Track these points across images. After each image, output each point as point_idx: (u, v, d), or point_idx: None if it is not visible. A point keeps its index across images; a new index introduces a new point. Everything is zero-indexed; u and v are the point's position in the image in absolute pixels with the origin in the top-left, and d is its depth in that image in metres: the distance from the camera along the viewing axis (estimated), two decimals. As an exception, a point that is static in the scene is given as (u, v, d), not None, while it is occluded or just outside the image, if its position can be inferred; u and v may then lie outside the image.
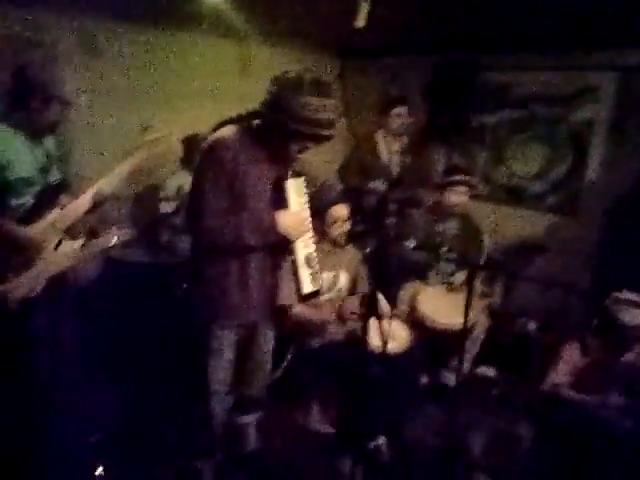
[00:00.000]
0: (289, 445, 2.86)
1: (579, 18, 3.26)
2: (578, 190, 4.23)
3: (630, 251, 3.61)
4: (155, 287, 3.26)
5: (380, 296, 2.85)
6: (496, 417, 3.23)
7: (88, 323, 3.08)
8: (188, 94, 4.13)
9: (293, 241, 2.19)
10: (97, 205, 2.57)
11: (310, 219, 2.27)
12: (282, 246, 2.21)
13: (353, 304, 2.88)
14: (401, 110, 4.04)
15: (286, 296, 2.43)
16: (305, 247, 2.27)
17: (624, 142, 3.94)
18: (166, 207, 3.63)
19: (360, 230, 2.90)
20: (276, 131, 2.04)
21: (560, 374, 2.79)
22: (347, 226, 2.95)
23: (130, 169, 2.64)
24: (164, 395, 2.99)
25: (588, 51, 3.92)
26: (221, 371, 2.32)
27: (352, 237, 2.94)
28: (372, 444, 2.76)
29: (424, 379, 3.40)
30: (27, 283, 2.10)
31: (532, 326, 4.07)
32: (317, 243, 2.37)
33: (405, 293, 3.47)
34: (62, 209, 2.47)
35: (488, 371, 3.64)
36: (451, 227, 3.61)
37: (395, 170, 4.19)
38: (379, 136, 4.15)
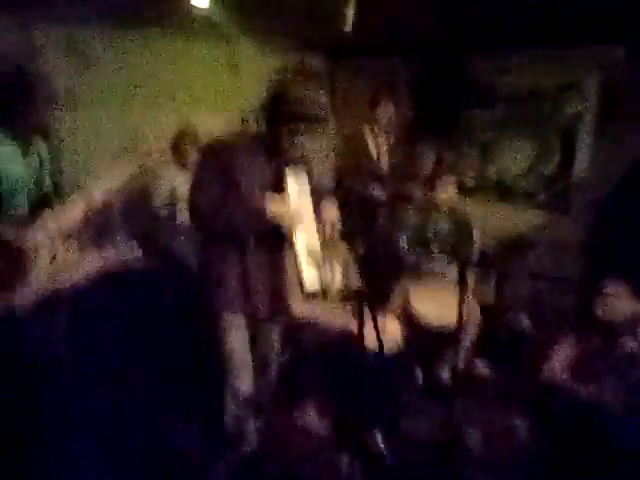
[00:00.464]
0: (287, 444, 2.88)
1: (562, 14, 3.31)
2: (567, 186, 4.28)
3: (620, 244, 3.67)
4: (155, 292, 3.26)
5: None
6: (492, 410, 3.26)
7: (89, 330, 3.07)
8: (179, 95, 4.15)
9: (289, 232, 2.21)
10: (90, 213, 2.58)
11: (312, 212, 2.31)
12: (279, 237, 2.25)
13: None
14: (388, 106, 4.12)
15: (289, 293, 2.45)
16: (306, 242, 2.26)
17: (611, 136, 3.99)
18: (161, 211, 3.64)
19: (351, 228, 2.92)
20: (271, 118, 2.17)
21: (555, 365, 2.84)
22: (336, 225, 2.97)
23: (125, 175, 2.65)
24: (174, 395, 3.01)
25: (572, 46, 3.97)
26: (237, 362, 2.36)
27: (344, 235, 2.97)
28: (369, 441, 2.79)
29: (419, 375, 3.42)
30: (27, 293, 2.10)
31: (525, 320, 4.12)
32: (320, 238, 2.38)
33: (398, 291, 3.50)
34: (57, 216, 2.48)
35: (483, 365, 3.67)
36: (442, 224, 3.64)
37: (384, 166, 4.23)
38: (367, 133, 4.20)
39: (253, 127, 2.27)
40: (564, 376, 2.81)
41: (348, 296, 3.13)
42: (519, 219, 4.51)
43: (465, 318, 3.05)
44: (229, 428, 2.48)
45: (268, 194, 2.20)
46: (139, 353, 3.18)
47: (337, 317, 3.02)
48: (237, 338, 2.37)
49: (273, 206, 2.16)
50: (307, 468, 2.73)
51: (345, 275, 3.11)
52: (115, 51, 3.85)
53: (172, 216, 3.58)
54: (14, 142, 2.35)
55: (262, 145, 2.24)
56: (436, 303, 3.29)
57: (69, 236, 2.59)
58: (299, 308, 2.84)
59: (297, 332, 2.97)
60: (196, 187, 2.25)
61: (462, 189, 3.71)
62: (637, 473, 2.43)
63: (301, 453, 2.82)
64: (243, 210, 2.17)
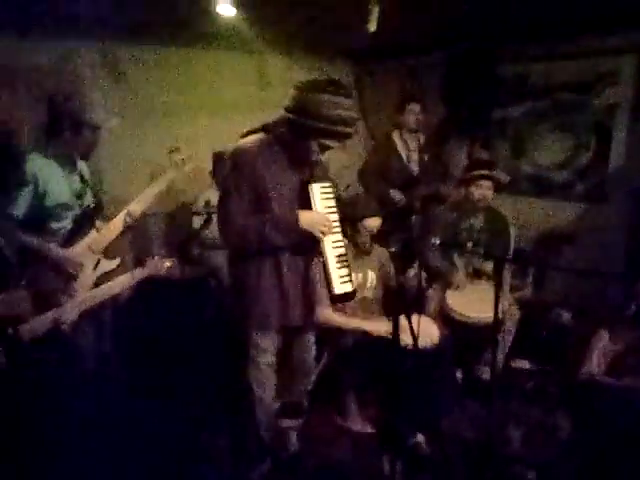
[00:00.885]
0: (329, 446, 2.90)
1: (592, 3, 3.24)
2: (604, 177, 4.19)
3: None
4: (189, 302, 3.33)
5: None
6: (533, 409, 3.21)
7: (126, 338, 3.17)
8: (211, 109, 4.25)
9: (319, 241, 2.25)
10: (130, 227, 2.69)
11: (337, 222, 2.33)
12: (309, 247, 2.27)
13: None
14: (415, 107, 4.13)
15: (319, 299, 2.48)
16: (335, 249, 2.31)
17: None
18: (197, 222, 3.73)
19: (385, 230, 2.93)
20: (298, 132, 2.11)
21: (594, 362, 2.78)
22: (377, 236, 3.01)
23: (159, 190, 2.76)
24: (207, 406, 3.06)
25: (604, 35, 3.89)
26: (263, 378, 2.39)
27: (377, 237, 2.98)
28: (411, 441, 2.79)
29: (459, 374, 3.40)
30: (72, 306, 2.20)
31: (566, 316, 4.04)
32: (347, 246, 2.42)
33: (434, 290, 3.49)
34: (98, 231, 2.60)
35: (523, 363, 3.62)
36: (476, 221, 3.60)
37: (415, 168, 4.23)
38: (396, 135, 4.22)
39: (280, 139, 2.21)
40: (607, 372, 2.75)
41: (382, 298, 3.16)
42: (556, 213, 4.44)
43: (502, 315, 3.04)
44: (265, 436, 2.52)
45: (297, 206, 2.23)
46: (171, 365, 3.27)
47: (373, 319, 3.03)
48: (267, 356, 2.40)
49: (305, 218, 2.18)
50: (349, 468, 2.75)
51: (381, 275, 3.14)
52: (148, 67, 3.97)
53: (206, 227, 3.66)
54: (59, 161, 2.47)
55: (289, 158, 2.22)
56: (473, 301, 3.26)
57: (110, 250, 2.70)
58: (334, 312, 2.87)
59: (334, 336, 2.99)
60: (224, 201, 2.21)
61: (496, 185, 3.64)
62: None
63: (343, 454, 2.85)
64: (274, 224, 2.15)
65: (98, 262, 2.59)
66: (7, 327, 2.02)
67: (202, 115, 4.16)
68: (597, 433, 2.67)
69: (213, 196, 3.62)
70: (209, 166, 3.88)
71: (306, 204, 2.24)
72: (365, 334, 2.87)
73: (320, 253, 2.27)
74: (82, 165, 2.68)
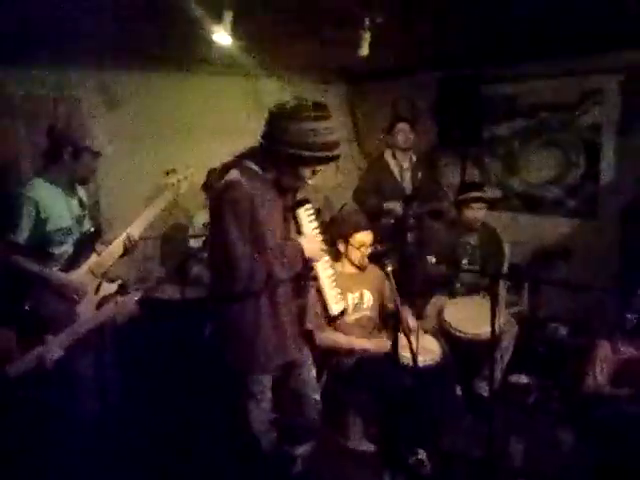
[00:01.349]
0: (332, 467, 2.90)
1: (577, 24, 3.33)
2: (594, 193, 4.26)
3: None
4: (187, 325, 3.32)
5: (407, 311, 2.92)
6: (534, 424, 3.23)
7: (125, 363, 3.15)
8: (205, 132, 4.30)
9: (312, 266, 2.25)
10: (129, 249, 2.72)
11: (324, 242, 2.33)
12: (304, 273, 2.25)
13: None
14: (404, 126, 4.23)
15: (311, 320, 2.48)
16: (325, 269, 2.34)
17: (633, 142, 3.98)
18: (194, 243, 3.76)
19: (381, 249, 2.97)
20: (287, 161, 2.04)
21: (598, 374, 2.82)
22: (369, 250, 3.04)
23: (157, 212, 2.79)
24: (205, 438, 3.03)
25: (589, 55, 3.99)
26: (263, 413, 2.32)
27: (373, 256, 3.02)
28: (413, 458, 2.80)
29: (458, 390, 3.41)
30: (75, 329, 2.21)
31: (563, 331, 4.08)
32: (335, 265, 2.44)
33: (431, 307, 3.52)
34: (98, 255, 2.62)
35: (522, 379, 3.63)
36: (471, 239, 3.66)
37: (408, 186, 4.30)
38: (388, 154, 4.31)
39: (267, 167, 2.10)
40: (606, 384, 2.78)
41: (379, 317, 3.18)
42: (549, 229, 4.50)
43: (500, 331, 3.07)
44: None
45: (292, 239, 2.19)
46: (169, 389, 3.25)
47: (375, 337, 3.05)
48: (266, 392, 2.31)
49: (307, 248, 2.15)
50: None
51: (377, 295, 3.17)
52: (144, 93, 4.03)
53: (204, 248, 3.68)
54: (59, 187, 2.51)
55: (277, 187, 2.13)
56: (470, 317, 3.29)
57: (110, 274, 2.72)
58: (336, 333, 2.89)
59: (333, 356, 3.01)
60: (231, 251, 2.01)
61: (489, 203, 3.71)
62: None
63: (346, 474, 2.84)
64: (280, 260, 2.07)
65: (99, 285, 2.61)
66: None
67: (197, 138, 4.22)
68: (600, 445, 2.68)
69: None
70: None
71: (295, 229, 2.22)
72: (366, 352, 2.89)
73: (314, 277, 2.28)
74: (81, 190, 2.71)
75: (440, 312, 3.42)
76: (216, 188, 2.09)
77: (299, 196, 2.30)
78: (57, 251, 2.49)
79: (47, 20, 2.71)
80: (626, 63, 3.91)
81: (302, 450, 2.52)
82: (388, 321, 3.08)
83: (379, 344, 2.88)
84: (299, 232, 2.23)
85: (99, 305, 2.55)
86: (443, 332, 3.31)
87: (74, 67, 3.65)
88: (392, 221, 4.15)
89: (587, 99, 4.19)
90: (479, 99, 4.49)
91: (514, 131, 4.64)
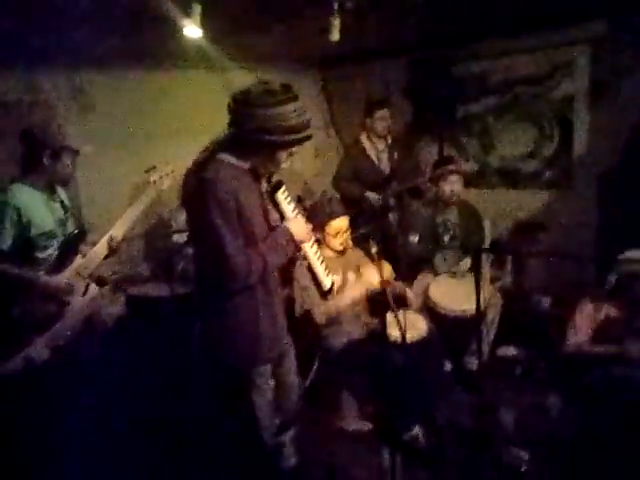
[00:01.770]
0: (329, 449, 2.94)
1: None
2: (570, 163, 4.34)
3: (629, 213, 3.74)
4: (178, 322, 3.31)
5: (401, 287, 3.01)
6: (523, 393, 3.31)
7: (115, 364, 3.14)
8: (182, 129, 4.28)
9: (301, 247, 2.27)
10: (114, 249, 2.73)
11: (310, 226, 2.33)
12: (294, 257, 2.33)
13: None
14: (383, 113, 4.25)
15: (306, 302, 2.52)
16: (312, 247, 2.37)
17: (605, 112, 4.06)
18: (178, 238, 3.77)
19: (363, 232, 3.01)
20: (259, 148, 2.01)
21: (579, 332, 2.90)
22: (347, 235, 3.08)
23: (140, 210, 2.80)
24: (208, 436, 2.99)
25: (557, 28, 4.04)
26: (269, 405, 2.32)
27: (356, 240, 3.05)
28: (408, 434, 2.87)
29: (448, 366, 3.49)
30: (63, 328, 2.22)
31: (546, 302, 4.18)
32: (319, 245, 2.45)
33: (417, 286, 3.58)
34: (83, 257, 2.63)
35: (509, 350, 3.72)
36: (451, 216, 3.72)
37: (386, 168, 4.35)
38: (364, 138, 4.34)
39: (244, 157, 2.06)
40: (587, 342, 2.87)
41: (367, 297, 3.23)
42: (528, 202, 4.59)
43: (485, 305, 3.14)
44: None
45: (277, 224, 2.19)
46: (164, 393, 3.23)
47: (359, 318, 3.10)
48: (269, 380, 2.30)
49: (294, 231, 2.15)
50: (348, 465, 2.80)
51: (360, 278, 3.21)
52: (119, 93, 3.99)
53: (189, 243, 3.69)
54: (39, 191, 2.50)
55: (254, 173, 2.11)
56: (455, 294, 3.37)
57: (97, 274, 2.74)
58: (321, 313, 2.94)
59: (324, 340, 3.06)
60: (225, 249, 1.95)
61: (464, 177, 3.77)
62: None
63: (343, 454, 2.90)
64: (273, 248, 2.07)
65: (87, 287, 2.62)
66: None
67: (174, 135, 4.19)
68: (587, 406, 2.76)
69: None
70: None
71: (278, 214, 2.22)
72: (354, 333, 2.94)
73: (304, 257, 2.32)
74: (62, 192, 2.71)
75: (425, 290, 3.49)
76: (193, 185, 2.03)
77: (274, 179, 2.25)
78: (41, 255, 2.50)
79: (16, 23, 2.68)
80: (593, 35, 3.97)
81: (290, 435, 2.56)
82: (374, 300, 3.12)
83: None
84: (282, 216, 2.22)
85: (88, 306, 2.57)
86: (429, 310, 3.38)
87: (46, 70, 3.61)
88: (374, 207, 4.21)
89: (557, 72, 4.25)
90: (451, 79, 4.53)
91: (487, 108, 4.69)
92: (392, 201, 4.34)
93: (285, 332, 2.37)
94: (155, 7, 2.58)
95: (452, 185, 3.63)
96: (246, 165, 2.08)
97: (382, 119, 4.24)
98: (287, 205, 2.23)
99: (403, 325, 2.32)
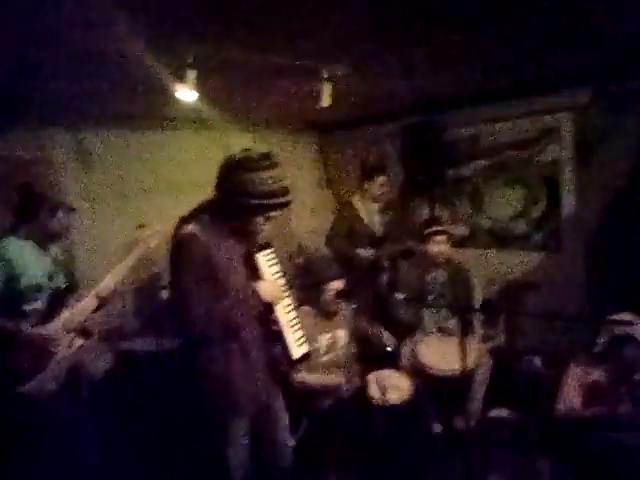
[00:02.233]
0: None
1: (528, 64, 3.53)
2: (558, 226, 4.41)
3: (617, 275, 3.76)
4: (164, 376, 3.31)
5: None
6: (514, 457, 3.23)
7: (104, 415, 3.13)
8: (178, 187, 4.39)
9: (273, 310, 2.30)
10: (102, 304, 2.75)
11: (285, 286, 2.39)
12: (266, 317, 2.30)
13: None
14: (383, 179, 4.34)
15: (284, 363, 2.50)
16: (287, 313, 2.39)
17: (591, 175, 4.16)
18: (166, 294, 3.79)
19: (345, 288, 3.02)
20: (238, 210, 2.13)
21: (569, 397, 2.86)
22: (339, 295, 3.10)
23: (129, 266, 2.85)
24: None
25: (543, 95, 4.21)
26: (241, 454, 2.32)
27: (343, 295, 3.06)
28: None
29: (437, 428, 3.42)
30: (46, 379, 2.22)
31: (537, 362, 4.13)
32: (299, 308, 2.48)
33: (405, 347, 3.56)
34: (71, 310, 2.65)
35: (500, 412, 3.65)
36: (439, 276, 3.75)
37: (378, 229, 4.42)
38: (356, 199, 4.43)
39: (223, 219, 2.18)
40: (578, 407, 2.82)
41: (353, 358, 3.21)
42: (518, 263, 4.62)
43: (473, 366, 3.12)
44: None
45: (247, 278, 2.24)
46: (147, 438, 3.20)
47: (341, 380, 3.07)
48: (245, 423, 2.32)
49: (262, 291, 2.22)
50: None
51: (351, 332, 3.21)
52: (117, 150, 4.13)
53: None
54: (34, 244, 2.56)
55: (234, 234, 2.21)
56: (443, 354, 3.34)
57: (84, 328, 2.75)
58: (301, 378, 2.90)
59: (310, 401, 3.01)
60: (181, 293, 2.11)
61: (455, 240, 3.82)
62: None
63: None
64: (237, 304, 2.14)
65: (72, 340, 2.62)
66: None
67: (171, 193, 4.30)
68: (579, 471, 2.70)
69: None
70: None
71: (254, 274, 2.27)
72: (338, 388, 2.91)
73: (274, 321, 2.32)
74: (54, 246, 2.76)
75: (414, 350, 3.47)
76: (173, 242, 2.17)
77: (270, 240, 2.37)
78: (28, 308, 2.52)
79: (19, 83, 2.82)
80: (577, 102, 4.13)
81: None
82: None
83: (348, 378, 2.89)
84: (257, 276, 2.28)
85: (72, 360, 2.57)
86: (416, 369, 3.34)
87: (47, 129, 3.76)
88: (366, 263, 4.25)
89: (543, 137, 4.39)
90: (441, 143, 4.68)
91: (477, 171, 4.82)
92: (386, 263, 4.39)
93: (268, 387, 2.37)
94: (152, 74, 2.73)
95: (439, 245, 3.68)
96: (225, 225, 2.19)
97: (382, 185, 4.33)
98: (267, 267, 2.33)
99: (382, 385, 2.30)
